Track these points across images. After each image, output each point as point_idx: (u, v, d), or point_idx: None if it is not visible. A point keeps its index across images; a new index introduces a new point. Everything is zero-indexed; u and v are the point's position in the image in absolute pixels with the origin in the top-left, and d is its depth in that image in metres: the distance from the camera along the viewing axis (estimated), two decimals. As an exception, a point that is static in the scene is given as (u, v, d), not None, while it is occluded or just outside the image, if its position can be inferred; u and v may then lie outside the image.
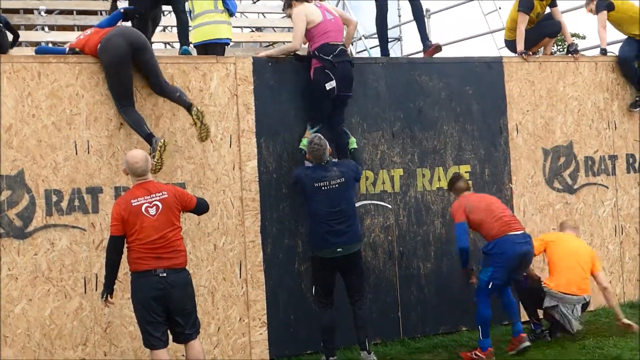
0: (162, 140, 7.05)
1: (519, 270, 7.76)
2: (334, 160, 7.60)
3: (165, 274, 6.23)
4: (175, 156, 7.49)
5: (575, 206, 9.34)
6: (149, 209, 6.28)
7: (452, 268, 8.62)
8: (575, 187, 9.40)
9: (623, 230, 9.63)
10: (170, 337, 6.39)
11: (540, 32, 9.81)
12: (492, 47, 15.22)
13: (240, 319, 7.70)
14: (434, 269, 8.57)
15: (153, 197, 6.32)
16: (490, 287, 7.58)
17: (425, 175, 8.56)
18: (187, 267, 6.46)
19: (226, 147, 7.72)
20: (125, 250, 6.36)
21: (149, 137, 7.12)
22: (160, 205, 6.31)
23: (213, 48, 8.68)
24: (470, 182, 8.44)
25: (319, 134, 7.50)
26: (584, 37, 26.51)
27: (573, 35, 27.08)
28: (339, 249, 7.28)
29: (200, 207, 6.73)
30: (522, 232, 7.68)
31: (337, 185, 7.33)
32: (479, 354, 7.53)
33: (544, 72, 9.23)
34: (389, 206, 8.39)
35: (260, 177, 7.85)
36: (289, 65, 8.09)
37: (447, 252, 8.61)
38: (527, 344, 7.69)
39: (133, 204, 6.28)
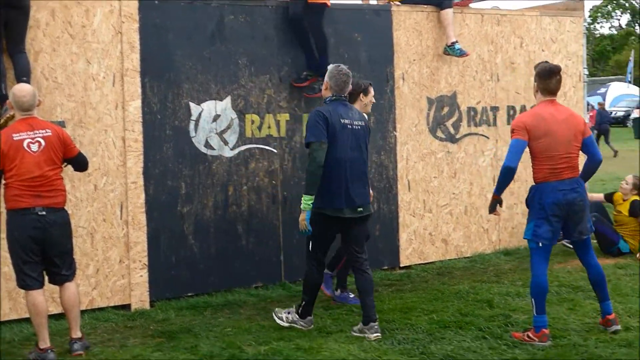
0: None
1: (572, 223, 6.45)
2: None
3: (44, 213, 6.10)
4: (55, 93, 7.28)
5: (456, 155, 9.57)
6: (31, 144, 6.11)
7: (335, 213, 8.72)
8: (458, 136, 9.62)
9: (501, 180, 9.92)
10: (46, 278, 6.29)
11: None
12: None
13: (120, 260, 7.61)
14: (317, 214, 8.63)
15: (36, 134, 6.15)
16: (541, 246, 6.39)
17: (311, 120, 8.58)
18: (65, 208, 6.35)
19: (109, 86, 7.53)
20: (2, 188, 6.19)
21: (1, 98, 6.88)
22: (42, 143, 6.14)
23: None
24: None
25: None
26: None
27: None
28: (359, 209, 6.66)
29: (80, 160, 6.53)
30: (570, 178, 6.39)
31: (359, 127, 6.70)
32: (531, 335, 6.34)
33: (431, 22, 9.34)
34: (274, 150, 8.40)
35: (144, 118, 7.70)
36: (176, 5, 7.93)
37: (330, 197, 8.69)
38: (616, 327, 6.51)
39: (15, 138, 6.09)
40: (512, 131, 6.45)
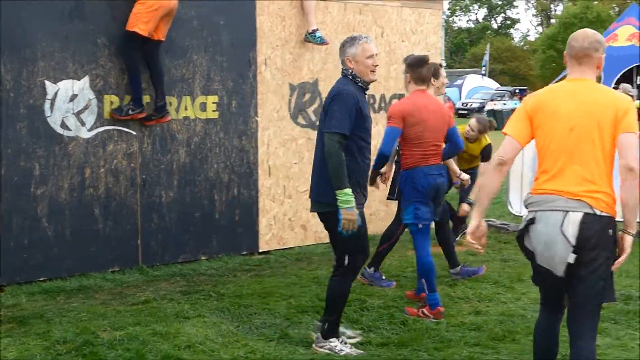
0: None
1: (435, 205, 6.92)
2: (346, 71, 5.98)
3: None
4: None
5: (317, 142, 9.65)
6: None
7: (194, 197, 8.66)
8: (319, 123, 9.69)
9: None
10: None
11: None
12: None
13: (-32, 243, 7.32)
14: (177, 198, 8.56)
15: None
16: (421, 227, 6.81)
17: (172, 103, 8.46)
18: None
19: (-41, 61, 7.21)
20: None
21: None
22: None
23: None
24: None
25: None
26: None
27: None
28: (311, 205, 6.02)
29: None
30: (436, 164, 6.87)
31: (323, 111, 5.93)
32: (426, 312, 6.72)
33: (294, 9, 9.37)
34: (134, 132, 8.24)
35: (-4, 95, 7.42)
36: (32, -21, 7.65)
37: (190, 181, 8.62)
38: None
39: None
40: (389, 118, 6.80)
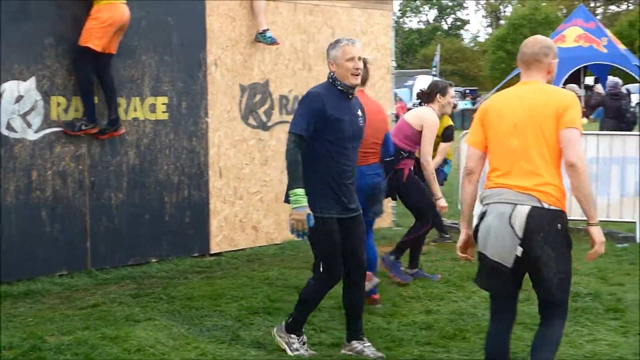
0: None
1: (371, 204, 6.95)
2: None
3: None
4: None
5: (268, 142, 9.63)
6: None
7: (144, 199, 8.58)
8: (269, 124, 9.69)
9: (311, 168, 10.07)
10: None
11: None
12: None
13: None
14: (126, 200, 8.46)
15: None
16: None
17: (120, 104, 8.36)
18: None
19: None
20: None
21: None
22: None
23: None
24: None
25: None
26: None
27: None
28: None
29: None
30: (375, 163, 6.97)
31: None
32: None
33: (244, 9, 9.33)
34: (82, 135, 8.13)
35: (-61, 97, 7.26)
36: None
37: (139, 183, 8.54)
38: (377, 280, 7.05)
39: None
40: None
